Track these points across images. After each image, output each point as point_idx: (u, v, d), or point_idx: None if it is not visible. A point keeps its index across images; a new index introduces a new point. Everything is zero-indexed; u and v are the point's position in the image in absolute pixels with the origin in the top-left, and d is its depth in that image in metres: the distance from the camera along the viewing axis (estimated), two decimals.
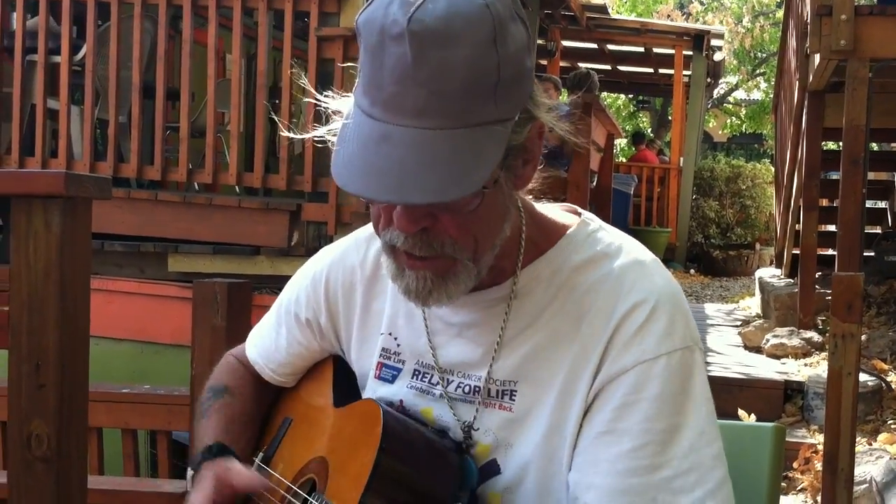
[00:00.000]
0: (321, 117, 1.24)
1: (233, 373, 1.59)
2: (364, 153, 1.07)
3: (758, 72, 19.84)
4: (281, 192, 5.90)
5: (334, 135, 1.15)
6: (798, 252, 7.50)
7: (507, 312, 1.27)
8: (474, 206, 1.13)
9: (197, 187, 6.23)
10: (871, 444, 4.72)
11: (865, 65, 5.62)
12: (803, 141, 7.26)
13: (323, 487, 1.28)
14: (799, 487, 4.57)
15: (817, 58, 5.91)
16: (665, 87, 15.36)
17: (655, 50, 13.72)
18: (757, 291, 8.93)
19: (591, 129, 6.45)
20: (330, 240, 5.19)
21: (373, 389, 1.39)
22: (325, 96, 1.22)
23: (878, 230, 8.70)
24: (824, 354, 6.03)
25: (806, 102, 7.06)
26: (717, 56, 14.84)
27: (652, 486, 1.15)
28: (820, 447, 4.26)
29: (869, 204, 7.28)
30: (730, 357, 6.45)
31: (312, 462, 1.34)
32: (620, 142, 15.72)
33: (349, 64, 1.22)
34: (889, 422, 5.06)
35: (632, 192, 12.15)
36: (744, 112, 21.21)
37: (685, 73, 13.42)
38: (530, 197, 1.31)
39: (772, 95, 12.82)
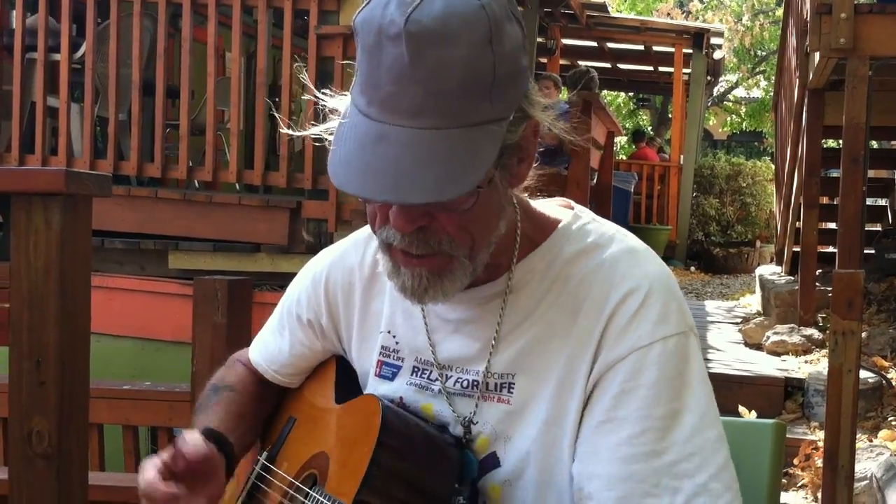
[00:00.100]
0: (320, 115, 1.24)
1: (235, 373, 1.60)
2: (361, 153, 1.08)
3: (758, 70, 19.84)
4: (281, 189, 5.90)
5: (331, 134, 1.16)
6: (798, 249, 7.50)
7: (503, 307, 1.28)
8: (470, 204, 1.14)
9: (197, 185, 6.23)
10: (871, 441, 4.72)
11: (865, 63, 5.62)
12: (803, 139, 7.26)
13: (324, 481, 1.29)
14: (799, 484, 4.58)
15: (817, 56, 5.91)
16: (665, 85, 15.35)
17: (655, 48, 13.70)
18: (757, 289, 8.93)
19: (592, 127, 6.45)
20: (330, 237, 5.21)
21: (373, 387, 1.40)
22: (323, 94, 1.22)
23: (879, 228, 8.70)
24: (825, 351, 6.03)
25: (806, 100, 7.06)
26: (717, 54, 14.83)
27: (654, 472, 1.16)
28: (820, 444, 4.26)
29: (869, 202, 7.28)
30: (730, 354, 6.45)
31: (314, 458, 1.35)
32: (620, 139, 15.72)
33: (349, 62, 1.22)
34: (889, 418, 5.06)
35: (632, 190, 12.15)
36: (744, 110, 21.21)
37: (685, 71, 13.41)
38: (526, 193, 1.31)
39: (772, 93, 12.82)
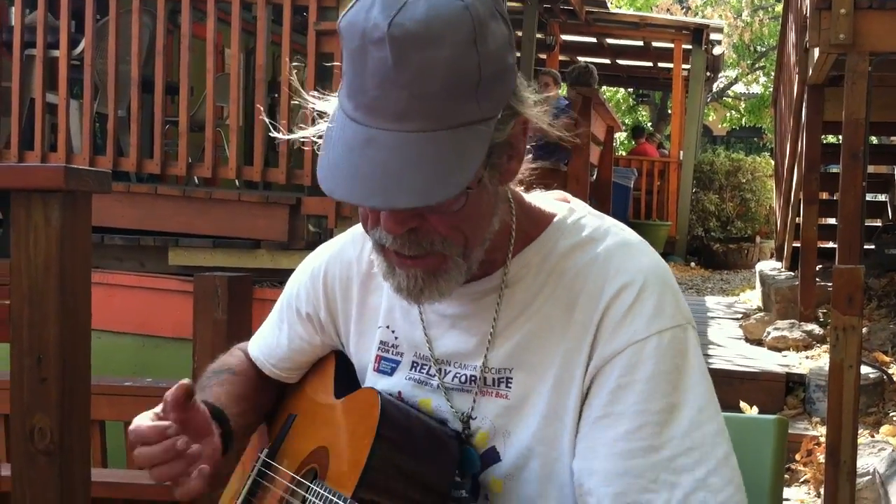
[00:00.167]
0: (311, 118, 1.24)
1: (235, 358, 1.61)
2: (349, 157, 1.08)
3: (757, 66, 19.85)
4: (280, 185, 5.90)
5: (320, 137, 1.16)
6: (798, 245, 7.51)
7: (499, 302, 1.27)
8: (460, 205, 1.13)
9: (196, 181, 6.22)
10: (873, 437, 4.72)
11: (865, 59, 5.62)
12: (803, 134, 7.26)
13: (324, 475, 1.29)
14: (802, 479, 4.58)
15: (816, 52, 5.90)
16: (664, 80, 15.35)
17: (655, 44, 13.70)
18: (757, 284, 8.94)
19: (591, 123, 6.45)
20: (330, 233, 5.20)
21: (372, 382, 1.40)
22: (313, 96, 1.22)
23: (879, 223, 8.71)
24: (825, 347, 6.04)
25: (805, 96, 7.06)
26: (717, 50, 14.83)
27: (652, 467, 1.15)
28: (822, 439, 4.26)
29: (869, 197, 7.29)
30: (731, 350, 6.46)
31: (314, 452, 1.35)
32: (620, 135, 15.73)
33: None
34: (891, 414, 5.06)
35: (632, 186, 12.17)
36: (743, 106, 21.23)
37: (684, 66, 13.41)
38: (521, 188, 1.31)
39: (771, 89, 12.82)
